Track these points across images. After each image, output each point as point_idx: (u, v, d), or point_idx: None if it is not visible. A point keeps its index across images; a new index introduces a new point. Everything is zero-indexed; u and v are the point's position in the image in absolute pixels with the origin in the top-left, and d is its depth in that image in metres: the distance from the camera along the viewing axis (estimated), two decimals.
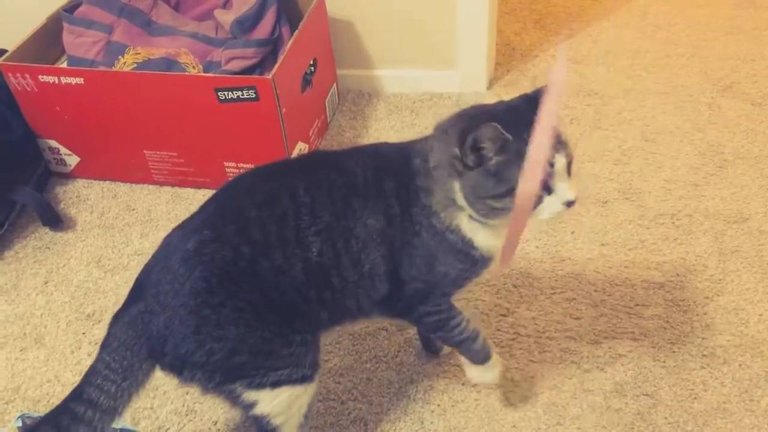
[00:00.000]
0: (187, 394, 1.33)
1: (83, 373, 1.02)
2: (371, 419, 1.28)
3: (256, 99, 1.59)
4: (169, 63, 1.75)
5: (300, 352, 1.03)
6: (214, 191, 1.09)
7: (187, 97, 1.63)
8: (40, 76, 1.68)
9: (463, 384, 1.31)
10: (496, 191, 0.95)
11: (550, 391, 1.29)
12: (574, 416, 1.25)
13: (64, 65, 1.83)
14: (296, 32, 1.72)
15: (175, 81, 1.64)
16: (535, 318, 1.42)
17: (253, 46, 1.73)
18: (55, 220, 1.72)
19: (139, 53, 1.78)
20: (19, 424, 1.24)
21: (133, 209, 1.77)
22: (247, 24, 1.76)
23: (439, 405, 1.29)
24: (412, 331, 1.40)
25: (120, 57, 1.78)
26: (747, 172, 1.71)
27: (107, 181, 1.86)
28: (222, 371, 0.99)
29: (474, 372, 1.18)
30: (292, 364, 1.02)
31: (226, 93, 1.60)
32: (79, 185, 1.86)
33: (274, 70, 1.58)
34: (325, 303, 1.04)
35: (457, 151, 0.96)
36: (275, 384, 1.01)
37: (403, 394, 1.31)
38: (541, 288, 1.47)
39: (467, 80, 2.03)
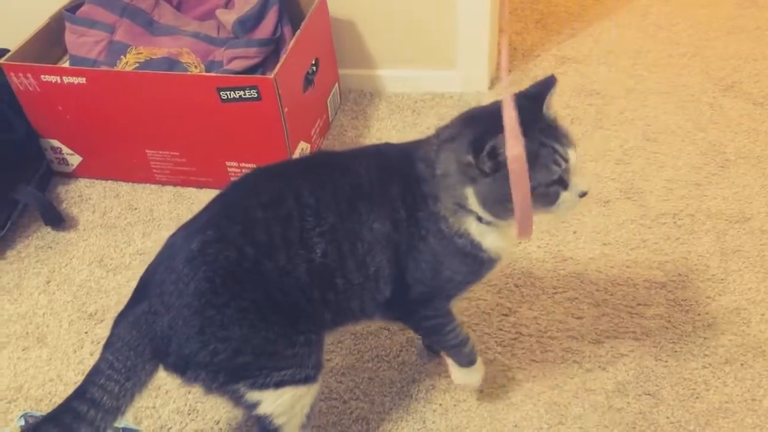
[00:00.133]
0: (189, 393, 1.33)
1: (86, 373, 1.02)
2: (373, 418, 1.28)
3: (258, 99, 1.59)
4: (171, 63, 1.75)
5: (303, 352, 1.03)
6: (216, 191, 1.09)
7: (189, 97, 1.63)
8: (42, 76, 1.68)
9: None
10: None
11: (552, 391, 1.29)
12: (576, 416, 1.26)
13: (67, 65, 1.83)
14: (298, 32, 1.72)
15: (177, 81, 1.64)
16: (537, 317, 1.42)
17: (255, 46, 1.73)
18: (57, 220, 1.72)
19: (141, 53, 1.78)
20: (22, 423, 1.24)
21: (135, 209, 1.77)
22: (249, 24, 1.76)
23: (441, 404, 1.29)
24: None
25: (122, 57, 1.78)
26: (749, 172, 1.71)
27: (109, 181, 1.86)
28: (226, 371, 1.00)
29: (459, 374, 1.21)
30: (295, 365, 1.02)
31: (228, 93, 1.60)
32: (81, 185, 1.86)
33: (276, 70, 1.58)
34: (328, 304, 1.05)
35: (470, 158, 0.95)
36: (278, 384, 1.02)
37: (405, 394, 1.31)
38: (543, 287, 1.47)
39: (469, 80, 2.03)
